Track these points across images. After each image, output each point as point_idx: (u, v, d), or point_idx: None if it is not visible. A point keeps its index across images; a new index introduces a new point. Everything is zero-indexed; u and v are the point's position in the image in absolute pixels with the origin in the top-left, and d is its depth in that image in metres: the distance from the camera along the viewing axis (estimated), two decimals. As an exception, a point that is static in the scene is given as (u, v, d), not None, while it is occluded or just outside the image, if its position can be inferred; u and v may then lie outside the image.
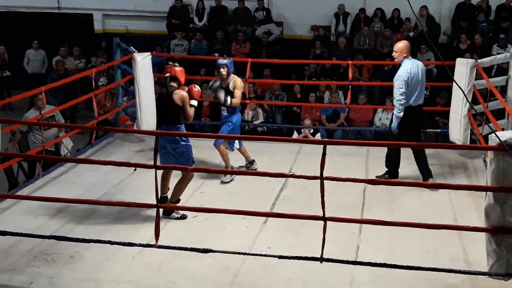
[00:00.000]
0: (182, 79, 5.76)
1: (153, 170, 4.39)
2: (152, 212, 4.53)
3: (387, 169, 6.75)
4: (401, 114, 6.29)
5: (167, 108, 5.62)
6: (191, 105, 5.67)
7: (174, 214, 5.67)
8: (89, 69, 10.63)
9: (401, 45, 6.35)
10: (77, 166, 7.08)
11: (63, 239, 4.83)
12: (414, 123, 6.45)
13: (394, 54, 6.40)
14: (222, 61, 6.71)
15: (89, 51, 13.47)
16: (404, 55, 6.32)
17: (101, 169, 6.76)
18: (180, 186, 5.70)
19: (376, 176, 6.65)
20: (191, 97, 5.68)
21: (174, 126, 5.64)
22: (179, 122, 5.66)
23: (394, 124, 6.37)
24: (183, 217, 5.65)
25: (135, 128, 8.12)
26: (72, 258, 4.90)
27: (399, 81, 6.26)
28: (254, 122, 10.38)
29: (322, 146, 4.16)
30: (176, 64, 5.86)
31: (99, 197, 6.10)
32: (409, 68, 6.25)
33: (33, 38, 13.72)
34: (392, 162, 6.70)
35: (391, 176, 6.70)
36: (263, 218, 5.61)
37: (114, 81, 8.92)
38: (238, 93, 6.66)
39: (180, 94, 5.56)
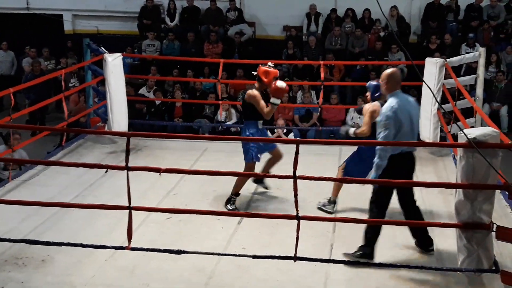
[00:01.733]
0: (266, 79, 5.83)
1: (125, 171, 4.35)
2: (125, 214, 4.49)
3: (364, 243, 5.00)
4: (384, 162, 4.73)
5: (242, 106, 6.13)
6: (271, 103, 5.75)
7: (228, 206, 5.87)
8: (59, 70, 10.49)
9: (383, 74, 4.83)
10: (48, 168, 6.98)
11: (34, 242, 4.75)
12: (403, 173, 4.84)
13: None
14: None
15: (59, 52, 13.29)
16: (385, 87, 4.84)
17: (72, 172, 6.68)
18: (241, 180, 5.90)
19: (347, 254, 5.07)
20: (273, 95, 5.72)
21: (244, 122, 6.11)
22: (247, 118, 6.03)
23: (373, 174, 4.77)
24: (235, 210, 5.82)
25: (106, 129, 8.04)
26: (43, 262, 4.83)
27: (383, 121, 4.73)
28: (227, 123, 10.38)
29: (295, 145, 4.18)
30: (270, 64, 5.97)
31: (71, 200, 6.03)
32: (396, 103, 4.72)
33: (1, 39, 13.50)
34: (371, 233, 4.92)
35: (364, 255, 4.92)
36: (238, 219, 5.60)
37: (85, 82, 8.82)
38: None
39: (249, 93, 5.85)
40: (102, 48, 8.07)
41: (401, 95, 4.82)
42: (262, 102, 5.80)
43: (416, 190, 6.21)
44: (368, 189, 6.10)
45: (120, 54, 8.12)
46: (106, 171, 6.64)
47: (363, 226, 5.15)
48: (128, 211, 4.47)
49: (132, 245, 4.53)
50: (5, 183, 6.63)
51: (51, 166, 6.96)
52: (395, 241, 5.19)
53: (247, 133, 6.00)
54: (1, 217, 5.61)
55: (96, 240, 4.82)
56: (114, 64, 7.85)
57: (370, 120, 5.50)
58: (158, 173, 4.80)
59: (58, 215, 5.67)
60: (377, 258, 4.50)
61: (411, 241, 5.15)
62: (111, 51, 8.08)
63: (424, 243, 5.02)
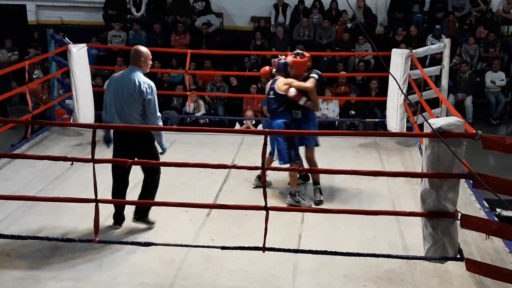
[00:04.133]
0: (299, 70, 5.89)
1: (91, 164, 4.30)
2: (91, 207, 4.43)
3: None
4: None
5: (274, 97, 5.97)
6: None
7: (296, 198, 5.79)
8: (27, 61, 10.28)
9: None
10: (12, 162, 6.85)
11: (-1, 237, 4.68)
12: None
13: None
14: None
15: (22, 43, 13.01)
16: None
17: (37, 165, 6.57)
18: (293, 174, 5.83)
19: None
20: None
21: (278, 115, 5.96)
22: (285, 110, 5.95)
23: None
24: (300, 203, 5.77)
25: (72, 121, 7.92)
26: (8, 257, 4.75)
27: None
28: (196, 114, 10.33)
29: (263, 136, 4.18)
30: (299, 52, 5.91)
31: (36, 193, 5.93)
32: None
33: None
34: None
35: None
36: (206, 211, 5.59)
37: (49, 74, 8.66)
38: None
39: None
40: (66, 38, 7.92)
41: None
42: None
43: (383, 180, 6.34)
44: (334, 182, 6.17)
45: (85, 44, 7.98)
46: (72, 164, 6.54)
47: (329, 217, 5.20)
48: (94, 204, 4.42)
49: (99, 238, 4.49)
50: (-33, 177, 6.48)
51: (15, 159, 6.84)
52: (362, 231, 5.25)
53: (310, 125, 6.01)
54: (-36, 211, 5.49)
55: (63, 233, 4.75)
56: (79, 55, 7.72)
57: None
58: (126, 166, 4.78)
59: (24, 209, 5.57)
60: (345, 248, 4.54)
61: (379, 231, 5.22)
62: (76, 42, 7.94)
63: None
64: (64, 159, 4.92)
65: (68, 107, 8.33)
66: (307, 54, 5.95)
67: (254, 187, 6.25)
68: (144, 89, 4.95)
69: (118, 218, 5.27)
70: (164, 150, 5.24)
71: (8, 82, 11.25)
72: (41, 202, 5.49)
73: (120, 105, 4.99)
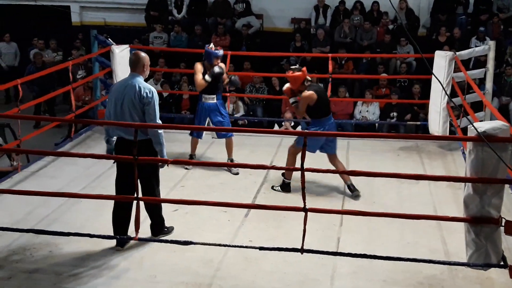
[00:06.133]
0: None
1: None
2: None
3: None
4: None
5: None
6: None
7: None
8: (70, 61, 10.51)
9: None
10: (56, 159, 7.01)
11: (42, 233, 4.78)
12: None
13: None
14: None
15: (66, 43, 13.30)
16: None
17: (80, 163, 6.69)
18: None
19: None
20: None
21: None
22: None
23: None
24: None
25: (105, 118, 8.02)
26: (51, 253, 4.85)
27: None
28: (235, 115, 10.36)
29: (303, 138, 4.17)
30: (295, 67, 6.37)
31: (79, 191, 6.02)
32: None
33: (8, 31, 13.53)
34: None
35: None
36: (244, 211, 5.60)
37: (92, 74, 8.82)
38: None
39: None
40: (109, 39, 8.06)
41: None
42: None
43: (425, 184, 6.24)
44: (374, 185, 6.11)
45: (127, 45, 8.12)
46: (114, 162, 6.63)
47: (369, 220, 5.14)
48: (135, 202, 4.48)
49: (140, 236, 4.55)
50: (13, 174, 6.65)
51: (59, 158, 6.99)
52: (403, 235, 5.17)
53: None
54: (10, 208, 5.64)
55: (104, 231, 4.82)
56: (121, 56, 7.85)
57: None
58: (166, 165, 4.83)
59: (66, 206, 5.69)
60: (384, 252, 4.48)
61: (420, 235, 5.14)
62: (119, 43, 8.08)
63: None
64: (107, 157, 5.00)
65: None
66: (303, 69, 6.13)
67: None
68: (145, 94, 4.73)
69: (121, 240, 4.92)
70: (163, 164, 4.93)
71: (54, 82, 11.51)
72: (84, 199, 5.60)
73: (121, 113, 4.78)
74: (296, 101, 6.15)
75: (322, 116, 6.08)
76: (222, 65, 6.75)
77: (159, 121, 4.84)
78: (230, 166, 6.48)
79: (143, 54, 4.99)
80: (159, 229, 5.11)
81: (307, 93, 5.98)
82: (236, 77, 7.15)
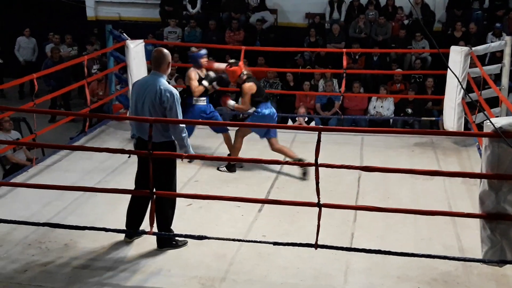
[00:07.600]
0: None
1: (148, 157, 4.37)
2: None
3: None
4: None
5: None
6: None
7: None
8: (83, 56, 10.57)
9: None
10: (71, 153, 7.05)
11: (57, 226, 4.82)
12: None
13: None
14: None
15: (81, 38, 13.37)
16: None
17: (95, 157, 6.73)
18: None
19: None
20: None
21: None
22: None
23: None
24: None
25: (128, 115, 8.07)
26: (66, 246, 4.89)
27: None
28: (249, 111, 10.33)
29: (317, 133, 4.15)
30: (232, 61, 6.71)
31: (94, 185, 6.06)
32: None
33: (25, 26, 13.62)
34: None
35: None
36: (258, 206, 5.61)
37: (107, 69, 8.86)
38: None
39: None
40: (124, 34, 8.09)
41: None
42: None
43: (439, 180, 6.20)
44: (389, 181, 6.07)
45: (142, 40, 8.14)
46: (129, 157, 6.68)
47: (383, 216, 5.12)
48: (150, 196, 4.50)
49: (154, 230, 4.57)
50: (28, 168, 6.71)
51: (74, 152, 7.04)
52: (417, 231, 5.15)
53: None
54: (25, 201, 5.69)
55: (118, 225, 4.85)
56: (136, 51, 7.87)
57: None
58: (181, 159, 4.84)
59: (81, 200, 5.73)
60: (398, 248, 4.46)
61: (434, 231, 5.11)
62: (134, 38, 8.10)
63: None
64: (122, 151, 5.02)
65: (125, 101, 8.50)
66: (240, 63, 6.65)
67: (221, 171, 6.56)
68: (165, 98, 4.56)
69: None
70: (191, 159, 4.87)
71: (69, 76, 11.59)
72: (98, 193, 5.63)
73: (142, 113, 4.66)
74: (233, 104, 6.77)
75: (263, 102, 6.60)
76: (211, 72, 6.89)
77: (183, 125, 4.67)
78: (242, 161, 6.49)
79: (165, 51, 4.80)
80: (165, 240, 4.84)
81: (247, 84, 6.45)
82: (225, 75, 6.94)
